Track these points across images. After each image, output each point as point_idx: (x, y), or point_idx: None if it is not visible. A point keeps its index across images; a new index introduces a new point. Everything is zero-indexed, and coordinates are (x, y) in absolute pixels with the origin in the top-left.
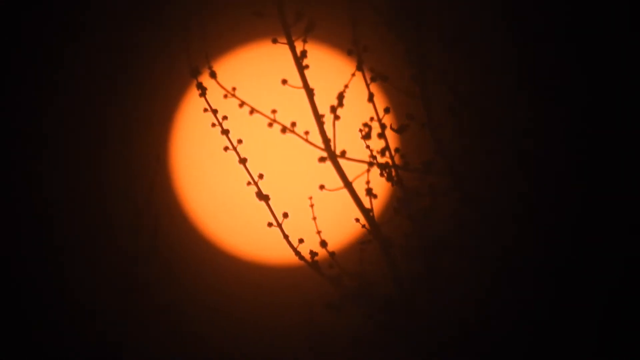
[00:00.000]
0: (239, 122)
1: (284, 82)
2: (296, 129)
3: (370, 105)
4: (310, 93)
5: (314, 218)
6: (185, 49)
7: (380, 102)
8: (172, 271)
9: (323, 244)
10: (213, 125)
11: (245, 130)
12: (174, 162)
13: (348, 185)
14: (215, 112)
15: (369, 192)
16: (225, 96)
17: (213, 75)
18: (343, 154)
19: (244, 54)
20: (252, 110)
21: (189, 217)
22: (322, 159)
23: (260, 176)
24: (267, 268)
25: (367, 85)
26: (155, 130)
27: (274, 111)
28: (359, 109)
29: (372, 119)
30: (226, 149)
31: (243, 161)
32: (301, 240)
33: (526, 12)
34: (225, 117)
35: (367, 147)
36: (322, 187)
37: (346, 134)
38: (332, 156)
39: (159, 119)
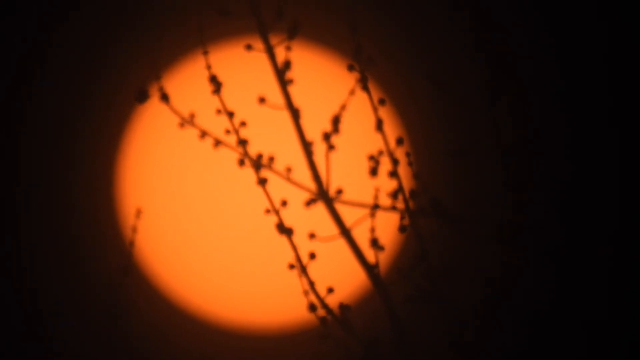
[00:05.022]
0: (197, 154)
1: (262, 100)
2: (276, 164)
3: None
4: (295, 115)
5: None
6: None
7: (393, 127)
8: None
9: (346, 308)
10: (215, 140)
11: (209, 165)
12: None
13: (345, 233)
14: (231, 115)
15: (374, 243)
16: (182, 125)
17: (165, 98)
18: (339, 194)
19: (207, 63)
20: (218, 142)
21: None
22: (310, 202)
23: (284, 203)
24: (242, 334)
25: (375, 109)
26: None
27: (243, 141)
28: (363, 135)
29: (380, 152)
30: (241, 162)
31: (262, 182)
32: (330, 290)
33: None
34: (243, 123)
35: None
36: (312, 235)
37: (343, 166)
38: (325, 198)
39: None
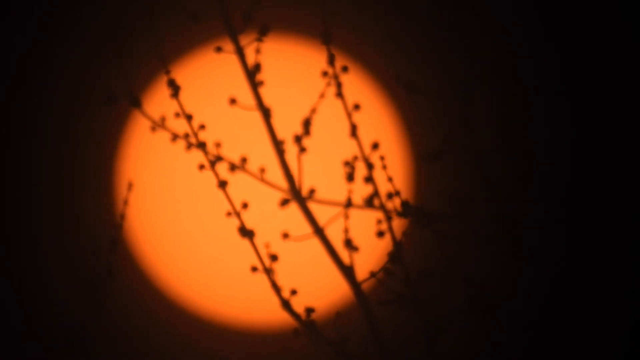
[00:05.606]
0: (174, 157)
1: (233, 102)
2: (250, 165)
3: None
4: (266, 115)
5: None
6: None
7: (392, 127)
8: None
9: (311, 310)
10: (187, 142)
11: (184, 167)
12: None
13: (319, 232)
14: (189, 118)
15: (348, 243)
16: (153, 129)
17: (136, 103)
18: (311, 194)
19: (182, 66)
20: (190, 145)
21: (141, 265)
22: (284, 202)
23: (244, 206)
24: (238, 331)
25: (349, 116)
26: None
27: (217, 145)
28: (336, 128)
29: (355, 157)
30: (201, 167)
31: (222, 185)
32: (294, 292)
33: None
34: (202, 127)
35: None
36: (285, 235)
37: (316, 163)
38: (298, 196)
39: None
